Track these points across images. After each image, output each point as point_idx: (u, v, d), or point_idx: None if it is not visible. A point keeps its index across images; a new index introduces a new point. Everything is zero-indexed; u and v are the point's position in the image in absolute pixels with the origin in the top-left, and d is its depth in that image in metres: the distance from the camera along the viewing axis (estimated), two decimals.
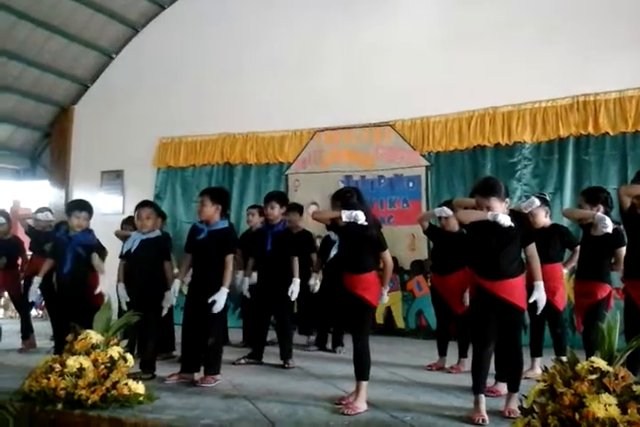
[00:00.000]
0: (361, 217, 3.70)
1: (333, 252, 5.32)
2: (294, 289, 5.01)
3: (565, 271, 4.86)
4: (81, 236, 4.70)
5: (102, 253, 4.93)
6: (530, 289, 3.53)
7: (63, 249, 4.67)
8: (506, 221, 3.37)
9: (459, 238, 4.88)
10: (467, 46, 6.94)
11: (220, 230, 4.42)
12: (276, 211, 5.14)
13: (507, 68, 6.66)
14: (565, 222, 5.82)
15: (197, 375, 4.37)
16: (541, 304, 3.50)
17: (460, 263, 4.84)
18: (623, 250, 4.03)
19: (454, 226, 4.91)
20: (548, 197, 4.95)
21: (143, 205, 4.72)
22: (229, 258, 4.37)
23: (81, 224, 4.71)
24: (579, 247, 4.62)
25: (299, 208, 6.16)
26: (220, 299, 4.24)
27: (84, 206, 4.80)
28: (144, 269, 4.54)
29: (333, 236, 5.50)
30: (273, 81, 8.00)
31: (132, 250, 4.59)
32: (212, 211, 4.39)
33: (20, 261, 6.31)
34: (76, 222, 4.69)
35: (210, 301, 4.21)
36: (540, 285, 3.49)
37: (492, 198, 3.46)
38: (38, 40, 8.66)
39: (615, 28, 6.28)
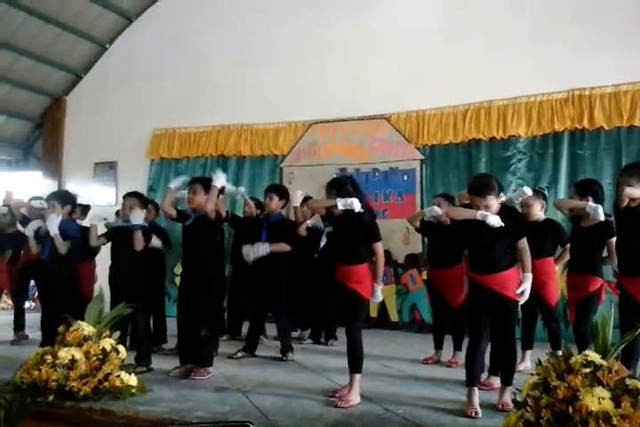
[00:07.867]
0: (357, 204, 3.70)
1: (323, 242, 5.29)
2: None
3: (556, 268, 4.82)
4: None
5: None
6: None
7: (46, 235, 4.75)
8: (495, 222, 3.36)
9: (453, 231, 4.88)
10: (463, 40, 6.91)
11: (204, 214, 4.38)
12: (274, 203, 5.10)
13: (502, 62, 6.64)
14: (560, 218, 5.84)
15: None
16: (525, 295, 3.46)
17: (456, 257, 4.85)
18: (614, 241, 4.01)
19: (448, 219, 4.90)
20: (546, 192, 4.93)
21: (128, 195, 4.80)
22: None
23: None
24: (569, 245, 4.52)
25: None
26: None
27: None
28: (125, 258, 4.57)
29: (318, 223, 5.41)
30: (268, 73, 7.96)
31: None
32: (203, 199, 4.39)
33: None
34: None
35: None
36: (528, 276, 3.47)
37: (488, 197, 3.45)
38: (31, 29, 8.58)
39: (611, 22, 6.25)
